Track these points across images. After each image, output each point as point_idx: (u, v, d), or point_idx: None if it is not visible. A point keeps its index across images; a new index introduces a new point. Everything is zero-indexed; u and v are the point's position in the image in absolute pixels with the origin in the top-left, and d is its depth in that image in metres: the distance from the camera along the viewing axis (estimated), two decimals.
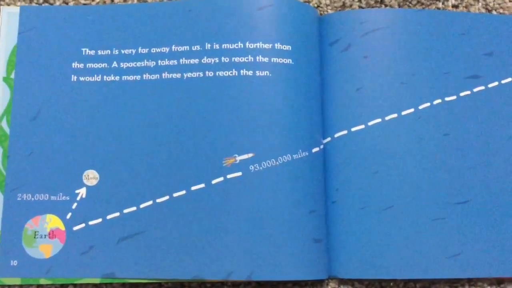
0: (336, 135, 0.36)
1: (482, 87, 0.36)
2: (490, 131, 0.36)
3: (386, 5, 0.39)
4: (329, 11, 0.39)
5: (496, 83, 0.37)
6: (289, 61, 0.35)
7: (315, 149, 0.35)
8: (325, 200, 0.35)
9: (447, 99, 0.36)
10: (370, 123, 0.35)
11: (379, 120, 0.36)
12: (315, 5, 0.39)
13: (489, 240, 0.34)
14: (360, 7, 0.39)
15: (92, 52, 0.36)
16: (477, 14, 0.38)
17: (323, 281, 0.35)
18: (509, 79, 0.37)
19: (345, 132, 0.36)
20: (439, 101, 0.36)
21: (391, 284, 0.35)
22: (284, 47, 0.35)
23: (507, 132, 0.36)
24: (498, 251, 0.34)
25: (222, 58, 0.35)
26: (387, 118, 0.36)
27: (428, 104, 0.36)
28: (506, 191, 0.35)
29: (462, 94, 0.36)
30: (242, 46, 0.35)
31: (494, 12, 0.39)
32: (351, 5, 0.39)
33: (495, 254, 0.34)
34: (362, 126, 0.36)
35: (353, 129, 0.36)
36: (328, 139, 0.36)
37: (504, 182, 0.35)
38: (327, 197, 0.35)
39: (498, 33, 0.37)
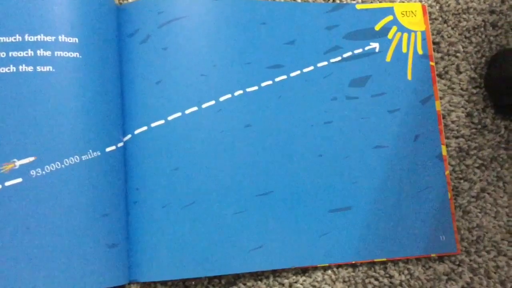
0: (136, 132, 0.34)
1: (284, 77, 0.36)
2: (292, 120, 0.36)
3: None
4: (129, 0, 0.36)
5: (298, 72, 0.36)
6: (76, 54, 0.32)
7: (109, 148, 0.33)
8: (126, 201, 0.33)
9: (248, 89, 0.35)
10: (170, 118, 0.34)
11: (179, 114, 0.34)
12: None
13: (291, 230, 0.34)
14: None
15: None
16: (279, 3, 0.37)
17: (123, 286, 0.33)
18: (311, 68, 0.37)
19: (145, 128, 0.34)
20: (240, 92, 0.35)
21: (193, 283, 0.34)
22: (70, 40, 0.32)
23: (309, 121, 0.36)
24: (301, 241, 0.34)
25: None
26: (187, 111, 0.34)
27: (229, 95, 0.35)
28: (306, 180, 0.35)
29: (263, 84, 0.36)
30: (20, 39, 0.32)
31: (298, 0, 0.38)
32: None
33: (298, 244, 0.34)
34: (162, 121, 0.34)
35: (153, 124, 0.34)
36: (129, 136, 0.34)
37: (305, 171, 0.35)
38: (128, 197, 0.33)
39: (300, 22, 0.37)
